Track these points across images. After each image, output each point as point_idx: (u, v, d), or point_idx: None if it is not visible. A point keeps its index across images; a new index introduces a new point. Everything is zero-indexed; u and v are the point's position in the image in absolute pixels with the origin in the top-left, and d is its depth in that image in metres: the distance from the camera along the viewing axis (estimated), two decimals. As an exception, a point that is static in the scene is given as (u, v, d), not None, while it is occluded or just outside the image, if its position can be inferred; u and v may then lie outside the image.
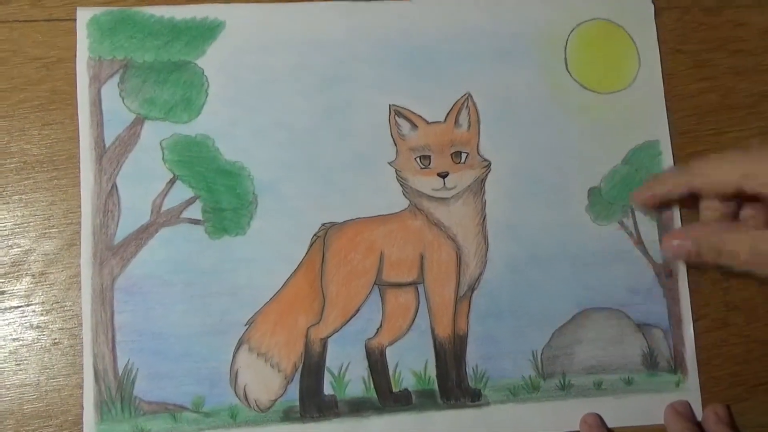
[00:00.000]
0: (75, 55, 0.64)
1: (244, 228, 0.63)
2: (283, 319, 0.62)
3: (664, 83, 0.68)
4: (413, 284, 0.64)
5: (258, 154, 0.64)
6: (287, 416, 0.61)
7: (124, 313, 0.61)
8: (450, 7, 0.67)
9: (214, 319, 0.62)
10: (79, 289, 0.61)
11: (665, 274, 0.66)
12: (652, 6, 0.69)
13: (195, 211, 0.63)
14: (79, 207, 0.62)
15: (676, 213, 0.67)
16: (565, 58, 0.68)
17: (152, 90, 0.64)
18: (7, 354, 0.60)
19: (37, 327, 0.61)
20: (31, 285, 0.61)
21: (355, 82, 0.66)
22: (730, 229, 0.56)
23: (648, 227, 0.66)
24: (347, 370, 0.62)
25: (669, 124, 0.68)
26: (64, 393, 0.60)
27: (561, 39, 0.68)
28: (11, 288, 0.61)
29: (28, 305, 0.61)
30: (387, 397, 0.62)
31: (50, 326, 0.61)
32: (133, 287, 0.61)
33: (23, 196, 0.62)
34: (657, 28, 0.69)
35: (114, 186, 0.62)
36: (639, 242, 0.66)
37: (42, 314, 0.61)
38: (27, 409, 0.60)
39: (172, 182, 0.63)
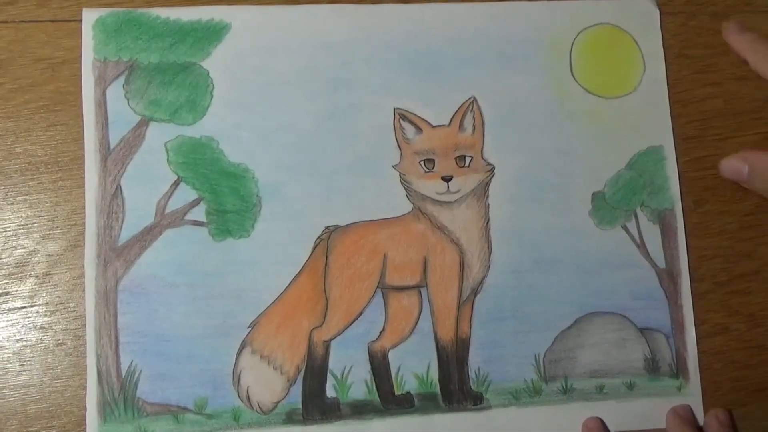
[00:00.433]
0: (80, 56, 0.64)
1: (248, 230, 0.63)
2: (287, 322, 0.63)
3: (668, 88, 0.68)
4: (416, 287, 0.64)
5: (262, 156, 0.64)
6: (290, 418, 0.61)
7: (127, 315, 0.61)
8: (455, 11, 0.68)
9: (218, 321, 0.62)
10: (83, 291, 0.61)
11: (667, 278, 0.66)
12: (658, 11, 0.69)
13: (199, 213, 0.63)
14: (84, 208, 0.62)
15: (679, 216, 0.67)
16: (570, 63, 0.68)
17: (157, 91, 0.64)
18: (10, 355, 0.60)
19: (41, 328, 0.61)
20: (35, 286, 0.61)
21: (360, 85, 0.66)
22: None
23: (651, 232, 0.66)
24: (350, 373, 0.62)
25: (673, 129, 0.68)
26: (67, 394, 0.60)
27: (566, 44, 0.68)
28: (15, 289, 0.61)
29: (32, 306, 0.61)
30: (389, 399, 0.62)
31: (54, 327, 0.61)
32: (136, 288, 0.61)
33: (28, 197, 0.62)
34: (662, 33, 0.69)
35: (118, 187, 0.62)
36: (642, 247, 0.66)
37: (46, 315, 0.61)
38: (30, 409, 0.60)
39: (176, 184, 0.63)
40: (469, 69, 0.67)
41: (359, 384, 0.62)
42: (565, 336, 0.64)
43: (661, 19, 0.69)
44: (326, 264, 0.63)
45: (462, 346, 0.63)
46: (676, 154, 0.68)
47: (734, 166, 0.66)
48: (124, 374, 0.60)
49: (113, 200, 0.62)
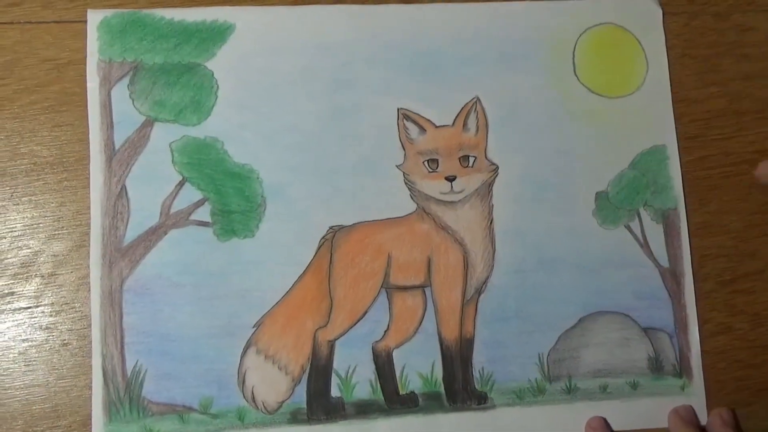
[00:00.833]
0: (85, 57, 0.64)
1: (253, 230, 0.63)
2: (291, 322, 0.63)
3: (671, 88, 0.69)
4: (420, 287, 0.64)
5: (267, 156, 0.64)
6: (294, 418, 0.61)
7: (132, 315, 0.61)
8: (458, 11, 0.68)
9: (222, 321, 0.62)
10: (89, 291, 0.61)
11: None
12: (660, 11, 0.69)
13: (204, 214, 0.63)
14: (89, 208, 0.62)
15: (682, 215, 0.67)
16: (573, 63, 0.68)
17: (162, 92, 0.64)
18: (16, 355, 0.61)
19: (47, 328, 0.61)
20: (41, 286, 0.61)
21: (364, 85, 0.66)
22: None
23: (654, 232, 0.67)
24: (354, 373, 0.63)
25: (676, 128, 0.68)
26: (72, 394, 0.61)
27: (569, 43, 0.68)
28: (21, 289, 0.61)
29: (37, 306, 0.61)
30: (394, 399, 0.62)
31: (59, 327, 0.61)
32: (141, 289, 0.62)
33: (33, 198, 0.62)
34: (665, 33, 0.69)
35: (123, 188, 0.63)
36: (645, 246, 0.66)
37: (51, 315, 0.61)
38: (36, 409, 0.60)
39: (181, 184, 0.63)
40: (471, 69, 0.67)
41: (364, 384, 0.63)
42: (568, 336, 0.64)
43: (663, 19, 0.69)
44: (331, 264, 0.63)
45: (466, 345, 0.63)
46: (680, 154, 0.68)
47: None
48: (129, 374, 0.61)
49: (118, 201, 0.62)
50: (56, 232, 0.62)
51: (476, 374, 0.63)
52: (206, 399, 0.61)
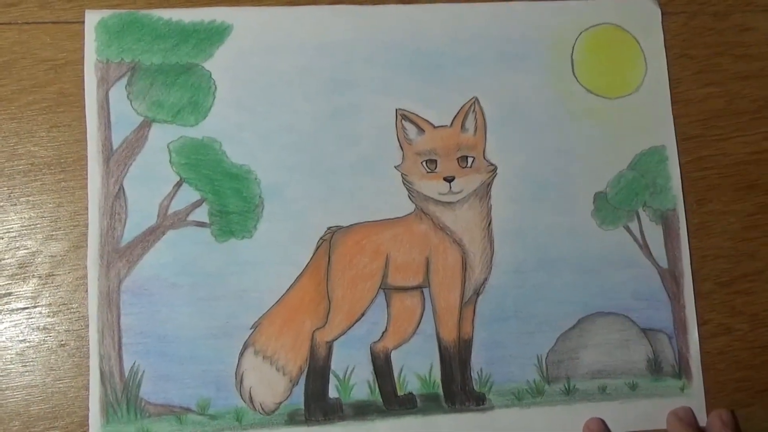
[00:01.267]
0: (83, 58, 0.64)
1: (251, 231, 0.63)
2: (289, 323, 0.63)
3: (670, 88, 0.68)
4: (419, 288, 0.64)
5: (264, 157, 0.64)
6: (292, 419, 0.61)
7: (130, 315, 0.61)
8: (457, 11, 0.68)
9: (220, 322, 0.62)
10: (86, 291, 0.61)
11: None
12: (659, 11, 0.69)
13: (201, 214, 0.63)
14: (87, 209, 0.62)
15: (681, 216, 0.67)
16: (572, 63, 0.68)
17: (160, 93, 0.64)
18: (13, 355, 0.61)
19: (44, 329, 0.61)
20: (38, 287, 0.61)
21: (362, 85, 0.66)
22: None
23: (654, 233, 0.66)
24: (352, 374, 0.63)
25: (675, 128, 0.68)
26: (70, 395, 0.60)
27: (568, 44, 0.68)
28: (18, 289, 0.61)
29: (34, 307, 0.61)
30: (392, 400, 0.62)
31: (57, 328, 0.61)
32: (139, 289, 0.62)
33: (30, 198, 0.62)
34: (663, 33, 0.69)
35: (121, 188, 0.63)
36: (644, 247, 0.66)
37: (49, 316, 0.61)
38: (33, 410, 0.60)
39: (178, 185, 0.63)
40: (470, 69, 0.67)
41: (362, 385, 0.63)
42: (567, 336, 0.64)
43: (662, 19, 0.69)
44: (329, 264, 0.63)
45: (464, 346, 0.63)
46: (678, 154, 0.68)
47: None
48: (127, 375, 0.60)
49: (116, 201, 0.62)
50: (54, 233, 0.62)
51: (475, 375, 0.63)
52: (204, 400, 0.61)
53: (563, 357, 0.64)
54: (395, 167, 0.65)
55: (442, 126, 0.65)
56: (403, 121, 0.65)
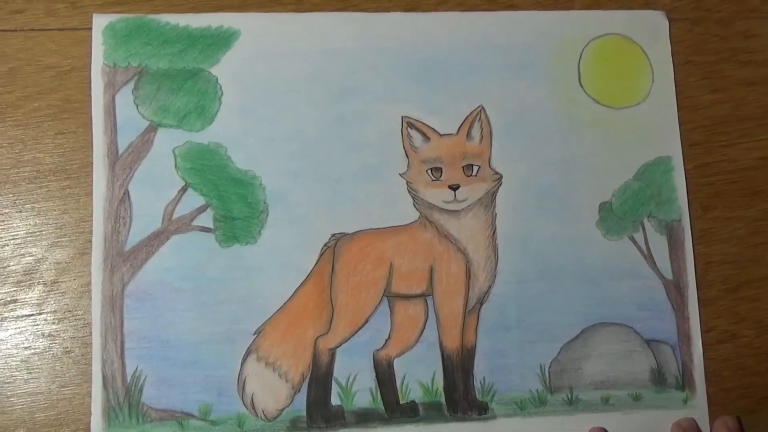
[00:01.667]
0: (88, 64, 0.64)
1: (255, 237, 0.63)
2: (292, 329, 0.63)
3: (677, 99, 0.68)
4: (422, 296, 0.64)
5: (270, 163, 0.64)
6: (294, 426, 0.61)
7: (133, 320, 0.61)
8: (463, 19, 0.67)
9: (223, 327, 0.62)
10: (91, 298, 0.61)
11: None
12: (667, 22, 0.69)
13: (206, 219, 0.63)
14: (92, 216, 0.62)
15: (687, 227, 0.67)
16: (579, 73, 0.68)
17: (166, 97, 0.64)
18: (18, 362, 0.61)
19: (49, 335, 0.61)
20: (43, 293, 0.61)
21: (367, 92, 0.66)
22: None
23: (658, 243, 0.66)
24: (355, 381, 0.63)
25: (680, 135, 0.68)
26: (75, 401, 0.61)
27: (575, 53, 0.68)
28: (23, 296, 0.61)
29: (39, 314, 0.61)
30: (394, 408, 0.62)
31: (62, 335, 0.61)
32: (143, 294, 0.62)
33: (36, 205, 0.62)
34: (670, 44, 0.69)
35: (126, 192, 0.63)
36: (649, 258, 0.66)
37: (54, 323, 0.61)
38: (38, 417, 0.60)
39: (183, 190, 0.63)
40: (475, 77, 0.67)
41: (364, 392, 0.63)
42: (570, 347, 0.64)
43: (669, 29, 0.69)
44: (332, 271, 0.63)
45: (467, 355, 0.63)
46: (684, 160, 0.67)
47: None
48: (129, 379, 0.61)
49: (121, 205, 0.62)
50: (59, 240, 0.62)
51: (477, 384, 0.63)
52: (206, 405, 0.61)
53: (566, 367, 0.64)
54: (400, 175, 0.65)
55: (447, 134, 0.65)
56: (408, 128, 0.65)
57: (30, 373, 0.61)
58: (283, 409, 0.62)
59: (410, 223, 0.65)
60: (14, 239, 0.62)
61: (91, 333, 0.61)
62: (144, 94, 0.64)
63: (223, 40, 0.65)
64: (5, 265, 0.62)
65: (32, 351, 0.61)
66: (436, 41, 0.67)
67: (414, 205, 0.65)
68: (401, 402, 0.63)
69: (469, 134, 0.65)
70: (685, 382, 0.65)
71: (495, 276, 0.64)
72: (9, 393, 0.60)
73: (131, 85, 0.64)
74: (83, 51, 0.64)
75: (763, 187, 0.68)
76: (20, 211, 0.62)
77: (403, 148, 0.65)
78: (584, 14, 0.69)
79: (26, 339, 0.61)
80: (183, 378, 0.61)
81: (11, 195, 0.62)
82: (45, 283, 0.62)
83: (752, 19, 0.71)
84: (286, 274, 0.63)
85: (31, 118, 0.63)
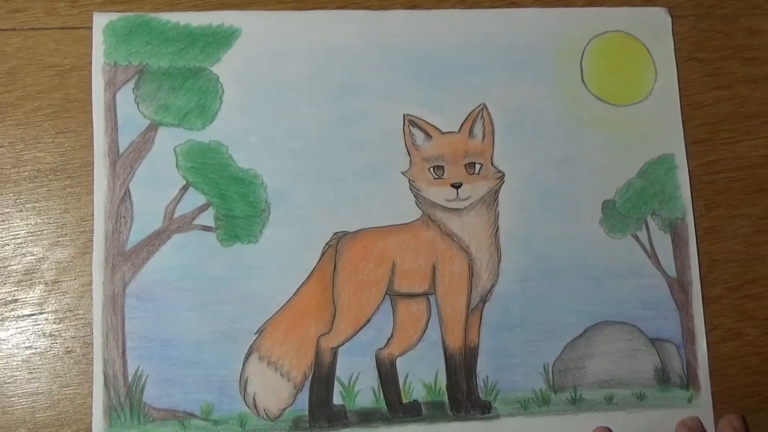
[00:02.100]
0: (88, 63, 0.64)
1: (256, 236, 0.63)
2: (294, 328, 0.62)
3: (680, 96, 0.68)
4: (425, 295, 0.64)
5: (271, 161, 0.64)
6: (296, 426, 0.61)
7: (135, 319, 0.61)
8: (465, 17, 0.67)
9: (225, 327, 0.62)
10: (92, 297, 0.61)
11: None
12: (670, 19, 0.69)
13: (207, 218, 0.63)
14: (93, 215, 0.62)
15: (690, 225, 0.66)
16: (581, 70, 0.67)
17: (167, 96, 0.64)
18: (20, 362, 0.61)
19: (50, 335, 0.61)
20: (44, 293, 0.61)
21: (369, 91, 0.65)
22: None
23: (662, 241, 0.66)
24: (357, 380, 0.62)
25: (684, 132, 0.68)
26: (76, 402, 0.60)
27: (577, 51, 0.68)
28: (24, 296, 0.61)
29: (41, 313, 0.61)
30: (397, 408, 0.62)
31: (63, 334, 0.61)
32: (144, 293, 0.62)
33: (36, 204, 0.62)
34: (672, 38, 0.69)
35: (127, 191, 0.62)
36: (653, 256, 0.66)
37: (55, 322, 0.61)
38: (39, 417, 0.60)
39: (185, 189, 0.63)
40: (478, 76, 0.66)
41: (366, 391, 0.62)
42: (574, 345, 0.64)
43: (672, 25, 0.69)
44: (334, 270, 0.63)
45: (470, 354, 0.63)
46: (687, 158, 0.67)
47: None
48: (130, 379, 0.60)
49: (122, 204, 0.62)
50: (60, 239, 0.62)
51: (480, 383, 0.63)
52: (207, 405, 0.61)
53: (570, 366, 0.64)
54: (402, 173, 0.65)
55: (449, 132, 0.65)
56: (410, 126, 0.65)
57: (31, 372, 0.61)
58: (285, 409, 0.62)
59: (412, 221, 0.64)
60: (15, 239, 0.62)
61: (92, 332, 0.61)
62: (145, 93, 0.64)
63: (224, 38, 0.65)
64: (6, 264, 0.62)
65: (33, 351, 0.61)
66: (438, 39, 0.67)
67: (416, 204, 0.64)
68: (404, 401, 0.62)
69: (471, 132, 0.65)
70: (689, 380, 0.65)
71: (498, 275, 0.64)
72: (10, 393, 0.60)
73: (132, 83, 0.64)
74: (84, 50, 0.64)
75: (768, 184, 0.68)
76: (21, 211, 0.62)
77: (405, 146, 0.65)
78: (586, 11, 0.68)
79: (27, 339, 0.61)
80: (184, 377, 0.61)
81: (12, 194, 0.62)
82: (46, 283, 0.61)
83: (756, 16, 0.70)
84: (288, 273, 0.63)
85: (32, 117, 0.63)
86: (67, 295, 0.61)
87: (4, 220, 0.62)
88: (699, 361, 0.65)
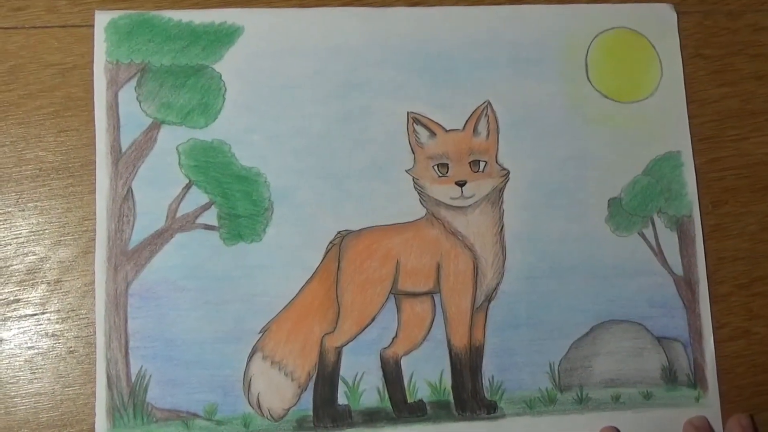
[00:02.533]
0: (90, 61, 0.64)
1: (260, 234, 0.63)
2: (298, 327, 0.62)
3: (686, 92, 0.68)
4: (429, 294, 0.63)
5: (274, 160, 0.64)
6: (300, 426, 0.61)
7: (137, 319, 0.61)
8: (468, 13, 0.67)
9: (228, 326, 0.62)
10: (94, 296, 0.61)
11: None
12: (675, 15, 0.68)
13: (210, 217, 0.63)
14: (95, 214, 0.62)
15: (697, 223, 0.66)
16: (586, 67, 0.67)
17: (169, 94, 0.64)
18: (22, 362, 0.60)
19: (53, 335, 0.61)
20: (47, 293, 0.61)
21: (373, 88, 0.65)
22: None
23: (669, 239, 0.66)
24: (362, 380, 0.62)
25: (690, 130, 0.67)
26: (79, 402, 0.60)
27: (582, 47, 0.67)
28: (27, 296, 0.61)
29: (43, 313, 0.61)
30: (402, 407, 0.62)
31: (66, 334, 0.61)
32: (147, 293, 0.61)
33: (39, 204, 0.62)
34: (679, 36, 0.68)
35: (129, 190, 0.62)
36: (659, 254, 0.65)
37: (57, 322, 0.61)
38: (42, 418, 0.60)
39: (187, 187, 0.63)
40: (482, 73, 0.66)
41: (371, 391, 0.62)
42: (580, 344, 0.64)
43: (678, 21, 0.69)
44: (338, 269, 0.63)
45: (476, 353, 0.63)
46: (693, 155, 0.67)
47: None
48: (133, 379, 0.60)
49: (124, 203, 0.62)
50: (62, 238, 0.62)
51: (486, 383, 0.63)
52: (211, 405, 0.61)
53: (576, 365, 0.63)
54: (406, 171, 0.64)
55: (454, 130, 0.65)
56: (414, 124, 0.65)
57: (34, 373, 0.60)
58: (289, 409, 0.61)
59: (417, 219, 0.64)
60: (17, 238, 0.62)
61: (94, 332, 0.60)
62: (147, 91, 0.64)
63: (226, 36, 0.65)
64: (8, 264, 0.61)
65: (36, 351, 0.61)
66: (442, 36, 0.66)
67: (420, 202, 0.64)
68: (409, 401, 0.62)
69: (475, 130, 0.65)
70: (697, 379, 0.64)
71: (503, 273, 0.64)
72: (13, 393, 0.60)
73: (134, 82, 0.64)
74: (85, 48, 0.64)
75: (775, 182, 0.68)
76: (23, 210, 0.62)
77: (409, 144, 0.65)
78: (591, 8, 0.68)
79: (30, 339, 0.61)
80: (188, 377, 0.61)
81: (14, 194, 0.62)
82: (48, 283, 0.61)
83: (762, 12, 0.70)
84: (292, 272, 0.63)
85: (34, 116, 0.63)
86: (69, 295, 0.61)
87: (5, 220, 0.62)
88: (706, 359, 0.64)
